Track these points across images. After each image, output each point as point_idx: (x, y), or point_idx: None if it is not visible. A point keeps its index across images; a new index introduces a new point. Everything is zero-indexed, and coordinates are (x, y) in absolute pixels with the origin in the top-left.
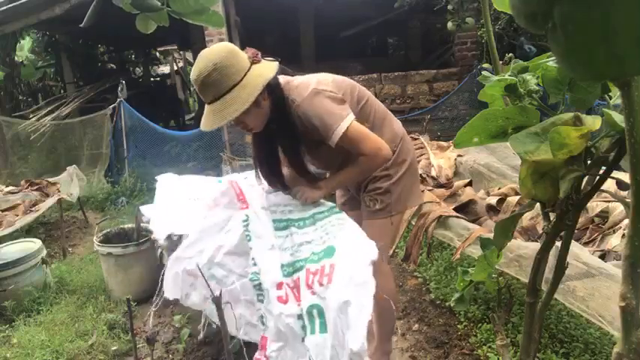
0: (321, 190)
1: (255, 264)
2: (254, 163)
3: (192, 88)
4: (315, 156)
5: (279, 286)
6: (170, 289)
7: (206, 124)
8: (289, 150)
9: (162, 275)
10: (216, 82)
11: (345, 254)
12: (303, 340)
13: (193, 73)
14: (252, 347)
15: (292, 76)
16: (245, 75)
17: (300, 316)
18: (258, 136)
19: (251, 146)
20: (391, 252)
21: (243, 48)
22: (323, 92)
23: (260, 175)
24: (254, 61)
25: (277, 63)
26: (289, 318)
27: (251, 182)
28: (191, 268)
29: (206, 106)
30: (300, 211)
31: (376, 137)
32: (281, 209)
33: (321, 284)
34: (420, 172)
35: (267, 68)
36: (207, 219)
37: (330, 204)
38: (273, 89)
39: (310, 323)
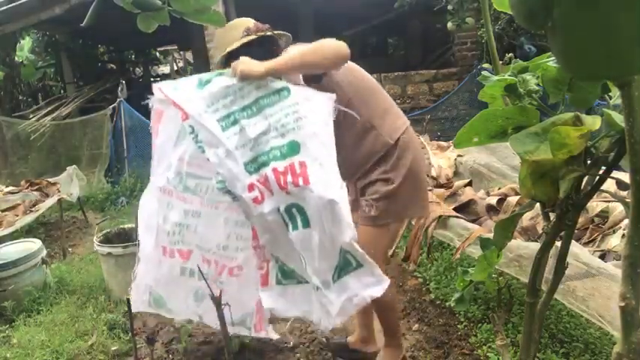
0: (261, 67)
1: (217, 173)
2: None
3: None
4: None
5: (250, 188)
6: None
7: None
8: None
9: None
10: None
11: (313, 147)
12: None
13: None
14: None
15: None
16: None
17: (278, 211)
18: None
19: None
20: (391, 252)
21: None
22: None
23: None
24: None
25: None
26: (269, 215)
27: (181, 87)
28: (162, 184)
29: None
30: (241, 97)
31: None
32: (222, 104)
33: (296, 184)
34: None
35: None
36: (159, 134)
37: (276, 85)
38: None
39: (291, 220)
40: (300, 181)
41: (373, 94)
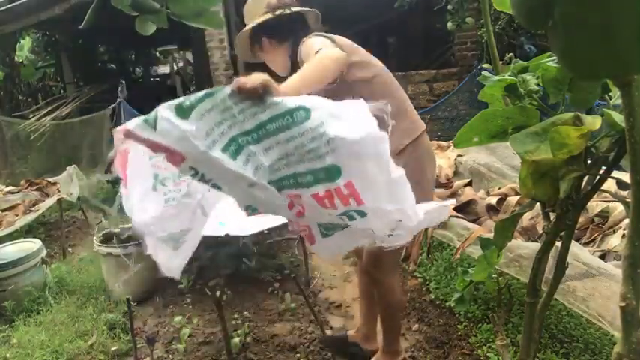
0: (275, 85)
1: (248, 206)
2: None
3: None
4: None
5: (290, 206)
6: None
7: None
8: None
9: None
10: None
11: (358, 165)
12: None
13: None
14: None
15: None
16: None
17: (331, 215)
18: None
19: None
20: None
21: None
22: (323, 36)
23: None
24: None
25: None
26: (322, 218)
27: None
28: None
29: None
30: (240, 122)
31: (338, 51)
32: (218, 132)
33: (346, 204)
34: None
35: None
36: (129, 181)
37: (287, 105)
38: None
39: (349, 219)
40: (353, 203)
41: (389, 93)
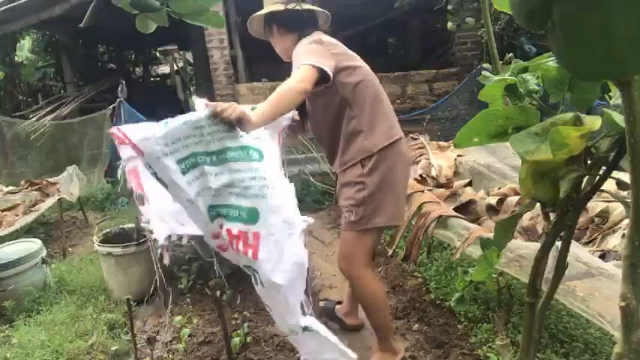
0: (250, 118)
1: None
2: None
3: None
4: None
5: (216, 235)
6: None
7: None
8: None
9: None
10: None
11: (272, 222)
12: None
13: None
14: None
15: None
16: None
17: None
18: None
19: None
20: (391, 252)
21: (243, 48)
22: (320, 41)
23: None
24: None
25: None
26: (236, 260)
27: (143, 127)
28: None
29: None
30: (207, 142)
31: (308, 80)
32: (183, 144)
33: (245, 254)
34: (420, 172)
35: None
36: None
37: (248, 142)
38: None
39: (252, 275)
40: (250, 254)
41: (373, 100)
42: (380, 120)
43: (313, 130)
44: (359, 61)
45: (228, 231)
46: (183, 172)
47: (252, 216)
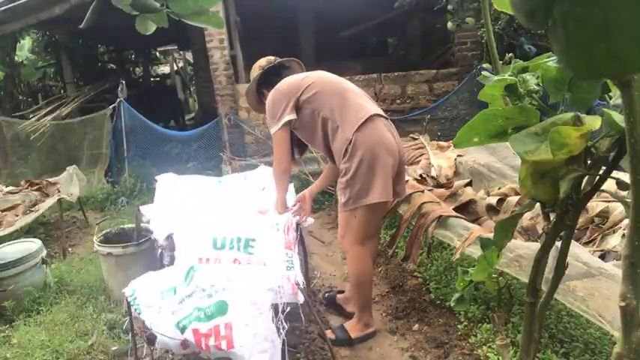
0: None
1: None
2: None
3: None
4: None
5: (184, 345)
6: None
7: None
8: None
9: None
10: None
11: (243, 308)
12: None
13: None
14: None
15: (301, 72)
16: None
17: None
18: None
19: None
20: (391, 252)
21: (243, 48)
22: (277, 91)
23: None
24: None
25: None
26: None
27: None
28: None
29: None
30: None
31: (283, 150)
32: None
33: (218, 347)
34: (420, 172)
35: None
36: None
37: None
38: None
39: None
40: (224, 345)
41: (338, 98)
42: (348, 111)
43: (316, 148)
44: (313, 77)
45: (195, 331)
46: (162, 297)
47: (221, 309)
